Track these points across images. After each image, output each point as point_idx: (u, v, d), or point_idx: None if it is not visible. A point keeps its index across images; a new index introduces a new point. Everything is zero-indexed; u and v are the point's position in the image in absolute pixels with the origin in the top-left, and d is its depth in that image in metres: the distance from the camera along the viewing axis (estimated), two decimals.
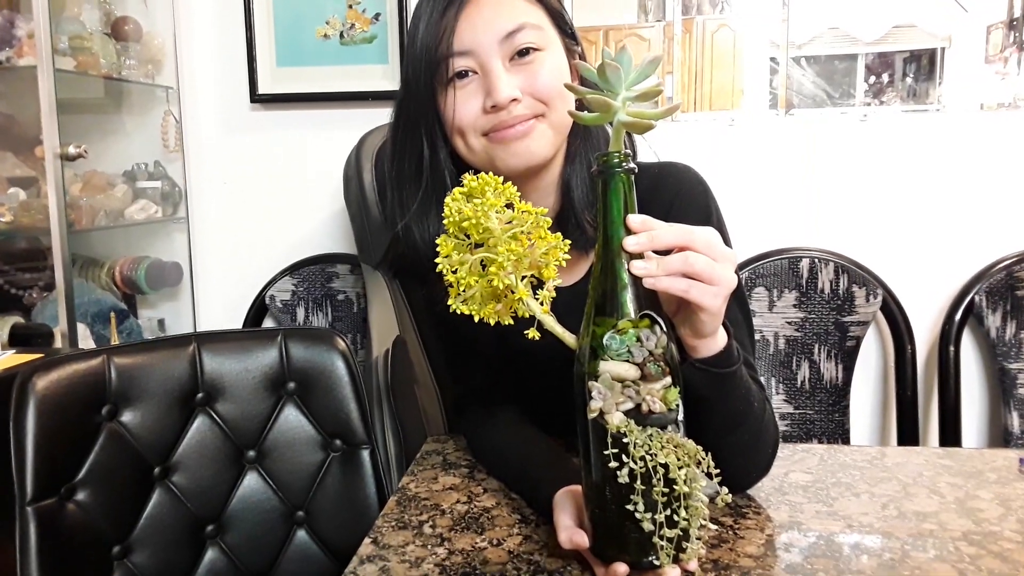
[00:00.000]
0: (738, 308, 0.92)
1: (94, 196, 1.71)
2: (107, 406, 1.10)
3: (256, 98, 1.92)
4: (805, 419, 1.86)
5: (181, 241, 2.00)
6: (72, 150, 1.49)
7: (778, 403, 1.87)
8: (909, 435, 1.81)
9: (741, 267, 1.85)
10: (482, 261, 0.70)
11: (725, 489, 0.67)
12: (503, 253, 0.67)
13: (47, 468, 1.02)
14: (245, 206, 2.00)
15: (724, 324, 0.76)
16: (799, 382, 1.87)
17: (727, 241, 0.90)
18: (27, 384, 1.03)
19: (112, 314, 1.75)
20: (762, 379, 1.81)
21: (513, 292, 0.70)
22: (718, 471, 0.66)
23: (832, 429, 1.85)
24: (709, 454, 0.66)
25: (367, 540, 0.81)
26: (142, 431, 1.12)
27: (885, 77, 1.80)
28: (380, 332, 1.58)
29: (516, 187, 0.69)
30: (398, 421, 1.48)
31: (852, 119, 1.83)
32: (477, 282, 0.70)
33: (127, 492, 1.10)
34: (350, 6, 1.88)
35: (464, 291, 0.71)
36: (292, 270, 1.94)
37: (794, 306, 1.85)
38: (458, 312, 0.71)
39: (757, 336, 1.85)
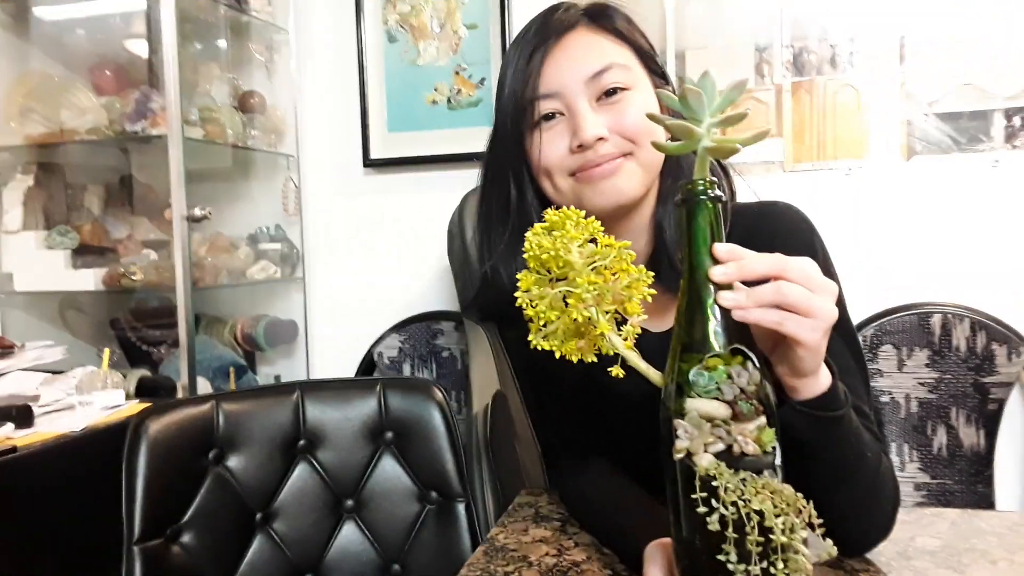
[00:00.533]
0: (850, 355, 0.85)
1: (218, 256, 1.82)
2: (214, 450, 1.14)
3: (368, 163, 2.01)
4: (944, 490, 1.70)
5: (298, 300, 2.08)
6: (198, 212, 1.59)
7: (912, 471, 1.72)
8: None
9: (866, 323, 1.74)
10: (564, 297, 0.68)
11: (830, 542, 0.60)
12: (582, 285, 0.65)
13: (155, 509, 1.06)
14: (357, 265, 2.08)
15: (828, 364, 0.70)
16: (935, 449, 1.71)
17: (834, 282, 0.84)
18: (140, 426, 1.08)
19: (231, 369, 1.83)
20: (888, 441, 1.70)
21: (595, 327, 0.67)
22: (821, 521, 0.60)
23: (975, 502, 1.67)
24: (811, 502, 0.60)
25: None
26: (246, 476, 1.15)
27: (1018, 120, 1.68)
28: (481, 387, 1.57)
29: (606, 230, 0.67)
30: (497, 477, 1.45)
31: (983, 164, 1.71)
32: (559, 317, 0.68)
33: (230, 537, 1.13)
34: (457, 72, 1.95)
35: (545, 326, 0.69)
36: (399, 327, 1.97)
37: (927, 365, 1.71)
38: (540, 349, 0.69)
39: (886, 398, 1.72)
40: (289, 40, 2.06)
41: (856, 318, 1.73)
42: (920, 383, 1.70)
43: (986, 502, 1.66)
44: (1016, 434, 1.73)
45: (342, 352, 2.07)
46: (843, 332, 0.83)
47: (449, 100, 1.96)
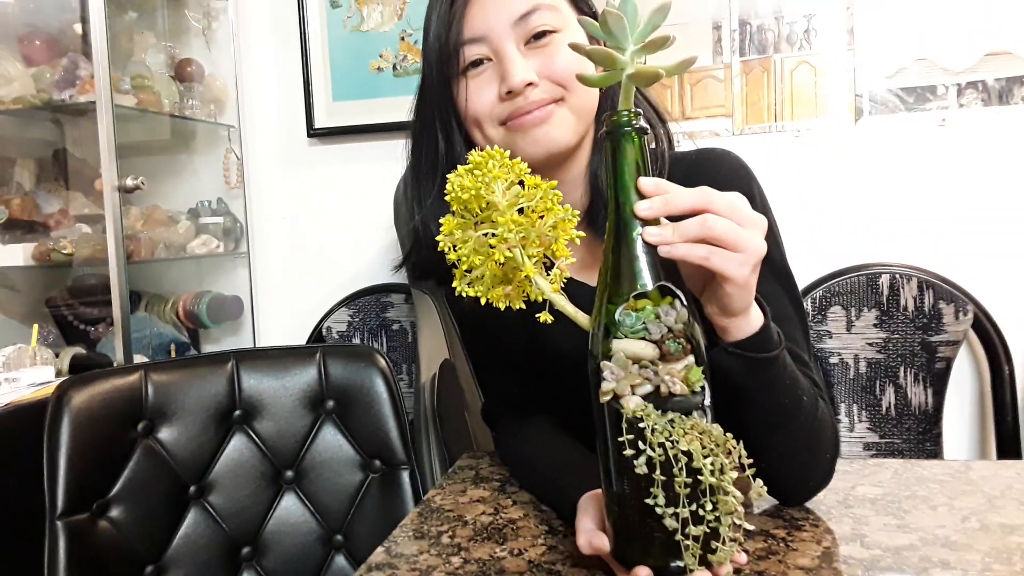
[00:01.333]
0: (788, 301, 0.84)
1: (155, 230, 1.75)
2: (143, 422, 1.09)
3: (313, 132, 1.95)
4: (892, 449, 1.71)
5: (243, 275, 2.02)
6: (129, 182, 1.53)
7: (861, 431, 1.73)
8: None
9: (815, 285, 1.74)
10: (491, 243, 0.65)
11: (759, 481, 0.58)
12: (504, 223, 0.62)
13: (79, 482, 1.01)
14: (303, 239, 2.02)
15: (762, 306, 0.68)
16: (884, 409, 1.72)
17: (773, 231, 0.82)
18: (63, 397, 1.03)
19: (172, 346, 1.77)
20: (837, 401, 1.70)
21: (520, 271, 0.64)
22: (751, 461, 0.58)
23: (923, 460, 1.69)
24: (741, 443, 0.58)
25: (380, 549, 0.75)
26: (178, 448, 1.11)
27: (962, 75, 1.68)
28: (429, 357, 1.54)
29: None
30: (445, 447, 1.42)
31: (930, 123, 1.71)
32: (483, 262, 0.65)
33: (161, 510, 1.08)
34: (402, 38, 1.90)
35: (469, 272, 0.66)
36: (348, 301, 1.93)
37: (875, 326, 1.72)
38: (482, 308, 0.66)
39: (835, 359, 1.72)
40: (227, 7, 1.98)
41: (805, 280, 1.73)
42: (869, 343, 1.71)
43: (934, 459, 1.67)
44: (964, 392, 1.75)
45: (290, 328, 2.02)
46: (780, 277, 0.82)
47: (395, 67, 1.91)
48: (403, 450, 1.18)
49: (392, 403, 1.19)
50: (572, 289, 0.69)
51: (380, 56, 1.91)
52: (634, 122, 0.61)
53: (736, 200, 0.61)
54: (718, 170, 0.88)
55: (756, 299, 0.66)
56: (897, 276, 1.71)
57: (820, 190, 1.76)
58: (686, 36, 1.81)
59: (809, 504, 0.81)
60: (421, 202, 0.89)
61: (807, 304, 1.72)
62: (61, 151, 1.98)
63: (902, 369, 1.71)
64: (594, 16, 0.89)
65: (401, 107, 1.88)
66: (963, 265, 1.69)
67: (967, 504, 0.79)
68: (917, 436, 1.69)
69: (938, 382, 1.68)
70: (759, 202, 0.87)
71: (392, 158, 1.88)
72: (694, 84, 1.82)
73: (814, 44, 1.76)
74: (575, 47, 0.63)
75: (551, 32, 0.83)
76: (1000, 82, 1.68)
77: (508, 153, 0.65)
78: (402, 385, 1.79)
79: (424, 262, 0.90)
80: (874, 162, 1.74)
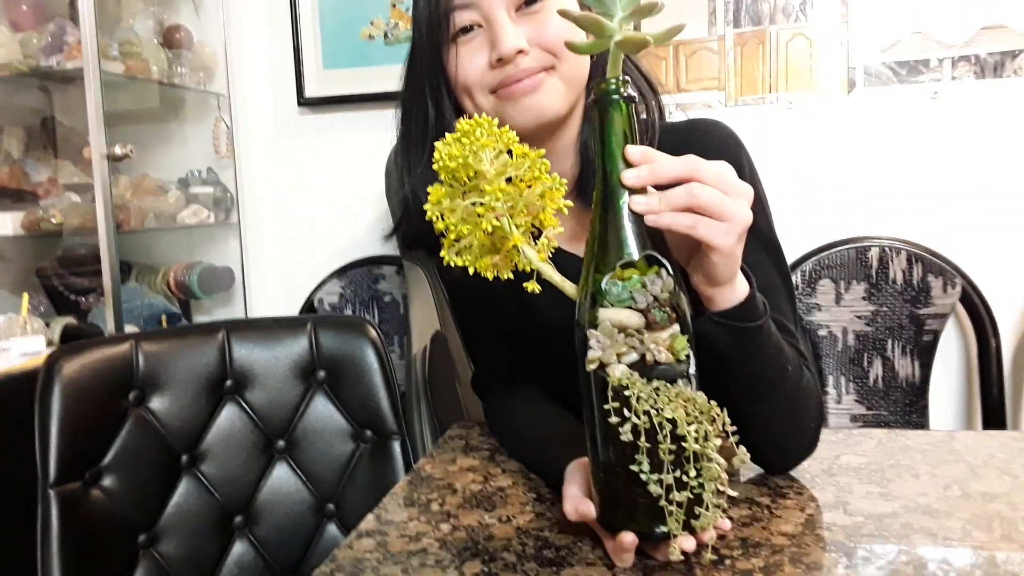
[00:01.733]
0: (775, 271, 0.84)
1: (144, 199, 1.74)
2: (134, 391, 1.09)
3: (303, 101, 1.94)
4: (879, 420, 1.73)
5: (234, 246, 2.02)
6: (118, 150, 1.51)
7: (849, 403, 1.75)
8: None
9: (805, 258, 1.74)
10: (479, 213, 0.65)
11: (743, 448, 0.59)
12: (492, 192, 0.62)
13: (71, 451, 1.01)
14: (294, 209, 2.02)
15: (747, 276, 0.68)
16: (872, 380, 1.74)
17: (761, 202, 0.82)
18: (54, 367, 1.03)
19: (163, 317, 1.77)
20: (824, 373, 1.71)
21: (508, 239, 0.64)
22: (735, 429, 0.59)
23: (908, 430, 1.71)
24: (724, 410, 0.59)
25: (369, 516, 0.76)
26: (169, 418, 1.11)
27: (957, 53, 1.68)
28: (420, 328, 1.55)
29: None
30: (436, 418, 1.43)
31: (922, 96, 1.71)
32: (471, 232, 0.65)
33: (153, 480, 1.09)
34: (394, 5, 1.88)
35: (457, 241, 0.66)
36: (340, 273, 1.93)
37: (863, 299, 1.73)
38: (472, 278, 0.66)
39: (824, 332, 1.74)
40: None
41: (795, 253, 1.74)
42: (857, 316, 1.72)
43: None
44: (950, 365, 1.77)
45: (281, 299, 2.02)
46: (767, 247, 0.82)
47: (386, 35, 1.89)
48: (394, 420, 1.19)
49: (383, 373, 1.19)
50: (561, 259, 0.69)
51: (371, 24, 1.89)
52: (622, 90, 0.61)
53: (723, 169, 0.61)
54: (708, 140, 0.88)
55: (742, 269, 0.66)
56: (886, 249, 1.71)
57: (811, 162, 1.76)
58: (679, 7, 1.79)
59: (793, 472, 0.82)
60: (411, 171, 0.89)
61: (796, 277, 1.72)
62: (49, 119, 1.96)
63: (890, 342, 1.72)
64: None
65: (392, 76, 1.85)
66: (952, 238, 1.70)
67: (949, 473, 0.80)
68: (903, 408, 1.71)
69: (925, 355, 1.70)
70: (748, 172, 0.87)
71: (383, 128, 1.86)
72: (688, 56, 1.81)
73: (809, 16, 1.75)
74: (564, 13, 0.62)
75: None
76: (994, 56, 1.67)
77: (496, 121, 0.64)
78: (394, 357, 1.80)
79: (414, 231, 0.90)
80: (866, 134, 1.74)
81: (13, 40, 1.70)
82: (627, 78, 0.61)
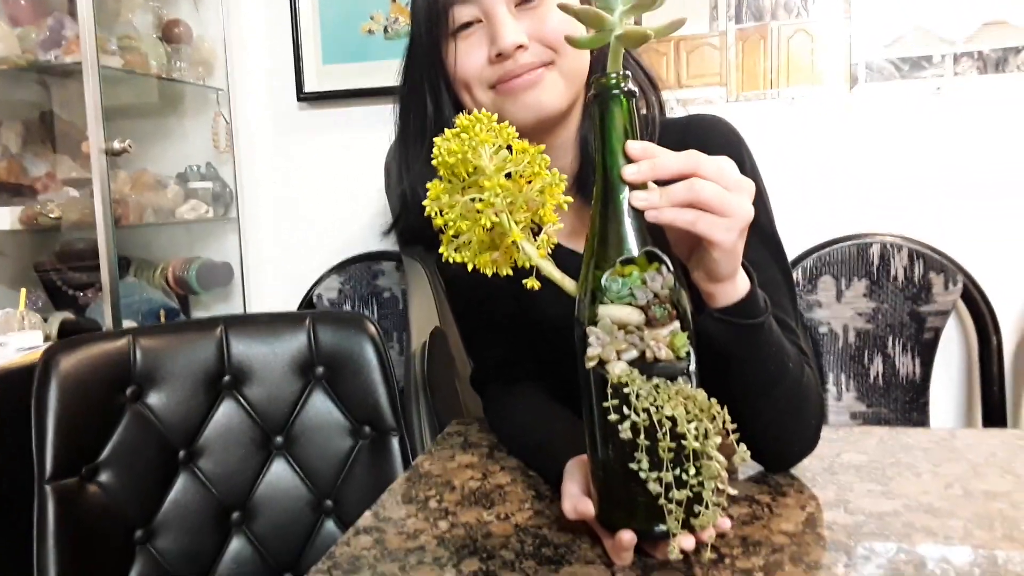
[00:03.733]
0: (776, 268, 0.83)
1: (143, 194, 1.74)
2: (131, 387, 1.09)
3: (303, 96, 1.93)
4: (879, 418, 1.73)
5: (233, 241, 2.01)
6: (117, 145, 1.51)
7: (849, 401, 1.74)
8: None
9: (806, 255, 1.74)
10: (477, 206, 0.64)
11: (743, 446, 0.58)
12: (491, 188, 0.61)
13: (68, 446, 1.01)
14: (293, 205, 2.01)
15: (748, 272, 0.68)
16: (872, 378, 1.73)
17: (762, 198, 0.81)
18: (50, 361, 1.03)
19: (162, 312, 1.77)
20: (825, 370, 1.71)
21: (507, 236, 0.64)
22: (735, 427, 0.58)
23: (909, 428, 1.70)
24: (725, 408, 0.58)
25: (367, 513, 0.76)
26: (167, 413, 1.11)
27: (959, 45, 1.67)
28: (419, 324, 1.54)
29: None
30: (435, 414, 1.43)
31: (925, 91, 1.70)
32: (470, 228, 0.65)
33: (151, 475, 1.09)
34: (393, 0, 1.87)
35: (456, 237, 0.65)
36: (339, 268, 1.92)
37: (864, 296, 1.72)
38: (471, 275, 0.65)
39: (824, 329, 1.73)
40: None
41: (796, 249, 1.73)
42: (858, 313, 1.72)
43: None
44: (951, 362, 1.76)
45: (280, 295, 2.01)
46: (768, 243, 0.82)
47: (386, 29, 1.88)
48: (393, 416, 1.18)
49: (382, 369, 1.19)
50: (561, 256, 0.68)
51: (371, 18, 1.88)
52: (623, 85, 0.60)
53: (724, 164, 0.60)
54: (708, 136, 0.87)
55: (743, 265, 0.66)
56: (888, 246, 1.71)
57: (813, 158, 1.75)
58: (681, 2, 1.78)
59: (794, 470, 0.82)
60: (409, 166, 0.88)
61: (797, 273, 1.72)
62: (48, 113, 1.95)
63: (891, 339, 1.71)
64: None
65: (392, 71, 1.85)
66: (954, 235, 1.70)
67: (951, 471, 0.80)
68: (904, 406, 1.71)
69: (926, 352, 1.70)
70: (749, 168, 0.86)
71: (383, 123, 1.85)
72: (690, 52, 1.81)
73: (811, 12, 1.74)
74: (564, 7, 0.62)
75: None
76: (997, 51, 1.66)
77: (496, 117, 0.64)
78: (393, 353, 1.80)
79: (412, 227, 0.89)
80: (868, 130, 1.73)
81: (11, 34, 1.69)
82: (628, 73, 0.60)
